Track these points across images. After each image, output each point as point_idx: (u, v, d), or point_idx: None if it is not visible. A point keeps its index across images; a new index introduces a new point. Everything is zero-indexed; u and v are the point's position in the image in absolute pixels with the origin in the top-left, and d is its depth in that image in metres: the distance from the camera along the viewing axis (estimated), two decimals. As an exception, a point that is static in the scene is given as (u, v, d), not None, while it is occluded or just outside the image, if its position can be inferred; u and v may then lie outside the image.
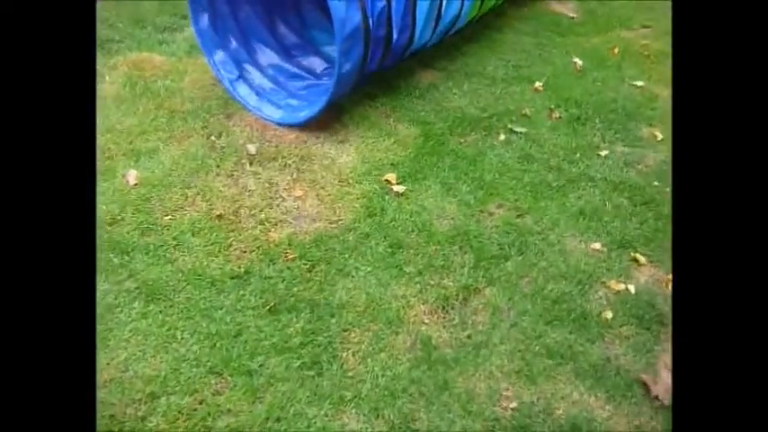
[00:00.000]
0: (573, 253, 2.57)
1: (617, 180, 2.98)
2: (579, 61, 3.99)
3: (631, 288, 2.44)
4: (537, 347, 2.20)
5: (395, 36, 3.04)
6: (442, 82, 3.63)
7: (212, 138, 3.05)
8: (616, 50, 4.20)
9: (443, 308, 2.31)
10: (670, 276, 2.52)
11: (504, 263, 2.49)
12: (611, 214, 2.78)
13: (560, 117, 3.41)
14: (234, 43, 3.40)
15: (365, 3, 2.79)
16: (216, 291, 2.30)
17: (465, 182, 2.86)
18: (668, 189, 2.99)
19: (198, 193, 2.72)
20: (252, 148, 2.98)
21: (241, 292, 2.30)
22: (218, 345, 2.12)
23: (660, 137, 3.35)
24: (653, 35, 4.51)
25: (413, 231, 2.60)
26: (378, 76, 3.42)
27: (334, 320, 2.23)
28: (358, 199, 2.75)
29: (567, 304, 2.35)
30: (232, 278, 2.35)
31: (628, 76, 3.92)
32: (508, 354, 2.17)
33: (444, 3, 3.29)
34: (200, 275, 2.35)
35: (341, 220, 2.65)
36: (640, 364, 2.18)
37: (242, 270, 2.38)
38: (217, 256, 2.43)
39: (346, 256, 2.48)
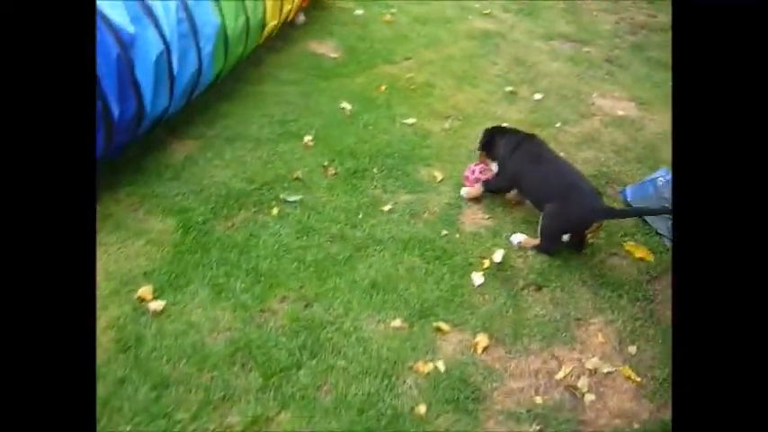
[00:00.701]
0: (373, 339, 2.26)
1: (405, 237, 2.77)
2: (348, 105, 3.78)
3: (440, 365, 2.20)
4: (350, 477, 1.84)
5: (115, 109, 2.50)
6: (200, 153, 3.17)
7: None
8: (383, 88, 4.08)
9: (230, 458, 1.86)
10: (477, 339, 2.33)
11: (296, 373, 2.11)
12: (406, 279, 2.54)
13: (336, 173, 3.13)
14: None
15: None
16: None
17: (238, 278, 2.43)
18: (458, 235, 2.84)
19: None
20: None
21: None
22: None
23: (439, 177, 3.23)
24: (416, 67, 4.49)
25: (181, 359, 2.11)
26: (118, 159, 2.86)
27: None
28: (106, 331, 2.18)
29: (375, 408, 2.03)
30: None
31: (398, 114, 3.79)
32: (317, 498, 1.78)
33: (175, 59, 2.82)
34: None
35: (84, 366, 2.06)
36: (465, 459, 1.93)
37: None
38: None
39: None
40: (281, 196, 2.89)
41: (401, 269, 2.58)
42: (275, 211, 2.80)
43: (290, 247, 2.61)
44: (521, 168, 2.95)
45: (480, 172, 3.09)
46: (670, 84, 5.05)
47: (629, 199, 3.32)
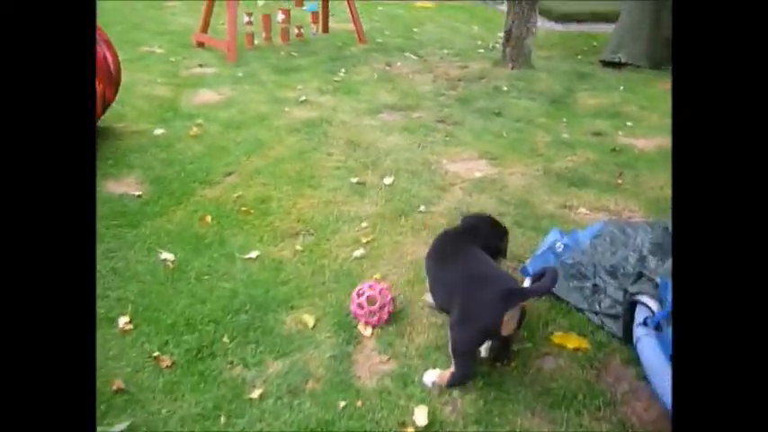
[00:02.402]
0: None
1: (293, 432, 1.98)
2: (169, 255, 2.94)
3: None
4: None
5: None
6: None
7: None
8: (208, 219, 3.30)
9: None
10: None
11: None
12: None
13: (173, 363, 2.27)
14: None
15: None
16: None
17: None
18: (360, 402, 2.11)
19: None
20: None
21: None
22: None
23: (311, 321, 2.50)
24: (242, 182, 3.78)
25: None
26: None
27: None
28: None
29: None
30: None
31: (236, 249, 3.03)
32: None
33: None
34: None
35: None
36: None
37: None
38: None
39: None
40: (100, 429, 1.96)
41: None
42: (95, 459, 1.87)
43: None
44: (430, 271, 2.49)
45: (371, 298, 2.44)
46: (509, 131, 4.86)
47: (531, 275, 2.83)
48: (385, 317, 2.46)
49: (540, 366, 2.33)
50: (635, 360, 2.28)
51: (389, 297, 2.49)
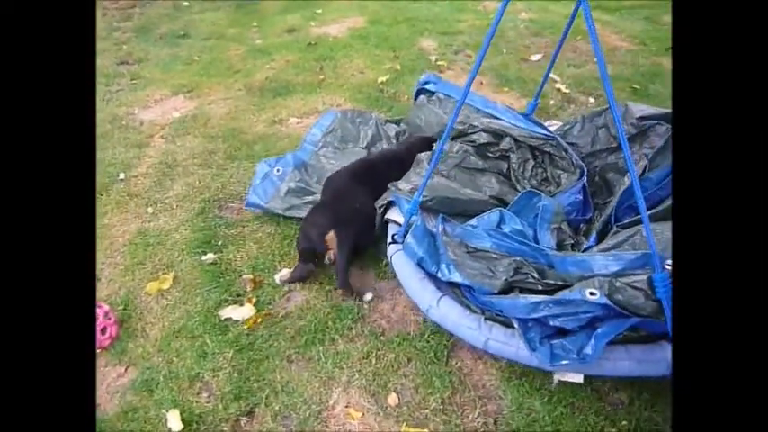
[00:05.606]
0: None
1: None
2: None
3: None
4: None
5: None
6: None
7: None
8: None
9: None
10: None
11: None
12: None
13: None
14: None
15: None
16: None
17: None
18: None
19: None
20: None
21: None
22: None
23: None
24: None
25: None
26: None
27: None
28: None
29: None
30: None
31: None
32: None
33: None
34: None
35: None
36: None
37: None
38: None
39: None
40: None
41: None
42: None
43: None
44: None
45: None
46: (200, 52, 4.46)
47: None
48: (106, 343, 2.14)
49: (286, 308, 2.27)
50: (372, 263, 2.33)
51: (106, 316, 2.16)
